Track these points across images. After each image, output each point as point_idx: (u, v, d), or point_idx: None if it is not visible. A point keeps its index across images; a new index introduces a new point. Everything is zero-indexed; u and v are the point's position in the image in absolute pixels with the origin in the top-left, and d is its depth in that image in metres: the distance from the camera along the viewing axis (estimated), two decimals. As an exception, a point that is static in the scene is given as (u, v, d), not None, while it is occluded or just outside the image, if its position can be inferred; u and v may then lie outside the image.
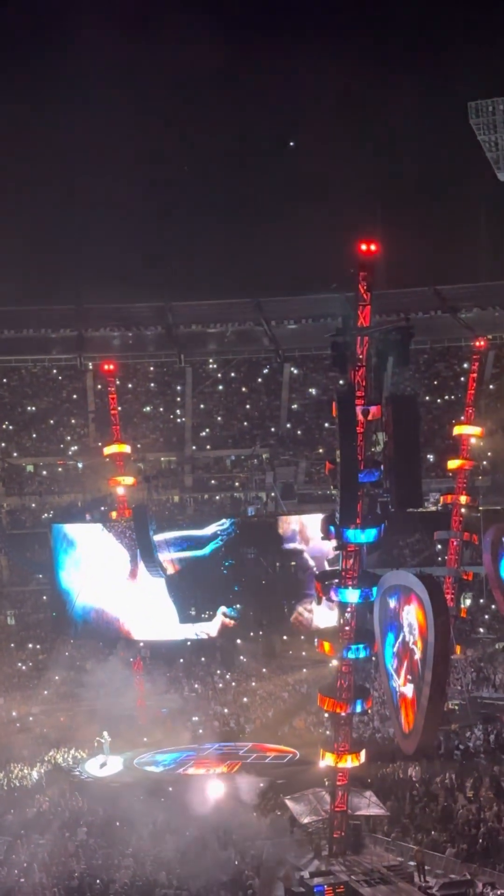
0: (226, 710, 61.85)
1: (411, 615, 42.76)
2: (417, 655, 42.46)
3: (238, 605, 70.35)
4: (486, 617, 71.25)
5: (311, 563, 69.86)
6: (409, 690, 43.65)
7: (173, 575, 69.33)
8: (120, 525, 66.96)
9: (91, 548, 70.51)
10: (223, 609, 70.39)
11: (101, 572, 69.72)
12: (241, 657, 69.85)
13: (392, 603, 44.01)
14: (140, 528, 63.15)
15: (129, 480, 65.49)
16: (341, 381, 37.39)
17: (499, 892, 33.09)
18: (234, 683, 66.28)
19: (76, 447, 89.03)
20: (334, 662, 39.01)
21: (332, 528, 36.05)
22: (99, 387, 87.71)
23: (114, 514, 67.89)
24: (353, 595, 36.89)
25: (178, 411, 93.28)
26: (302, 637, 69.17)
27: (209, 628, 70.24)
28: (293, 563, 72.21)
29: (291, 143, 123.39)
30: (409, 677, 43.22)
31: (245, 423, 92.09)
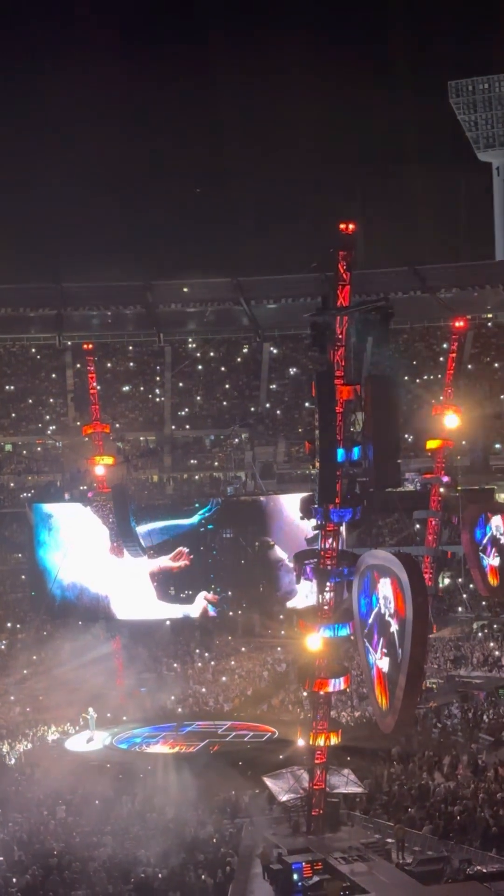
0: (204, 689, 61.99)
1: (387, 589, 42.86)
2: (394, 628, 42.59)
3: (223, 593, 70.40)
4: (465, 596, 71.58)
5: (283, 556, 69.92)
6: (385, 664, 43.79)
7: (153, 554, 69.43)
8: (101, 504, 66.87)
9: (72, 527, 70.41)
10: (206, 594, 70.33)
11: (82, 551, 69.66)
12: (221, 636, 69.97)
13: (369, 579, 44.11)
14: (119, 508, 63.13)
15: (109, 460, 65.38)
16: (320, 361, 37.31)
17: (475, 869, 33.32)
18: (212, 662, 66.40)
19: (55, 426, 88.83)
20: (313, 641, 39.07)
21: (318, 509, 36.11)
22: (78, 366, 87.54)
23: (91, 494, 67.84)
24: (332, 574, 37.05)
25: (157, 391, 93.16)
26: (281, 616, 69.38)
27: (190, 610, 70.32)
28: (272, 543, 72.38)
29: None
30: (385, 651, 43.34)
31: (224, 403, 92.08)
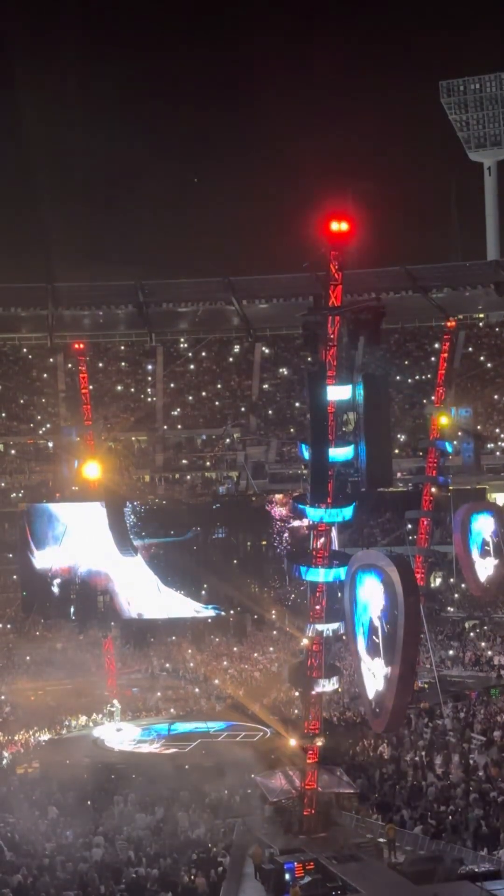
0: (197, 689, 61.93)
1: (378, 589, 42.87)
2: (386, 628, 42.58)
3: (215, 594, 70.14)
4: (456, 596, 71.61)
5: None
6: (377, 664, 43.80)
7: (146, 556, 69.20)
8: (95, 503, 66.60)
9: (68, 524, 70.08)
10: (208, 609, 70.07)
11: (79, 549, 69.34)
12: (213, 636, 69.87)
13: (361, 581, 44.09)
14: (113, 511, 63.08)
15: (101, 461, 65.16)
16: (310, 360, 37.38)
17: (467, 868, 33.34)
18: (205, 663, 66.34)
19: (47, 426, 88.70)
20: (305, 641, 39.12)
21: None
22: (69, 366, 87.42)
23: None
24: (323, 574, 37.05)
25: (149, 391, 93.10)
26: (273, 615, 69.27)
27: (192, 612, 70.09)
28: (264, 543, 72.28)
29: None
30: (376, 651, 43.35)
31: (216, 403, 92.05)
